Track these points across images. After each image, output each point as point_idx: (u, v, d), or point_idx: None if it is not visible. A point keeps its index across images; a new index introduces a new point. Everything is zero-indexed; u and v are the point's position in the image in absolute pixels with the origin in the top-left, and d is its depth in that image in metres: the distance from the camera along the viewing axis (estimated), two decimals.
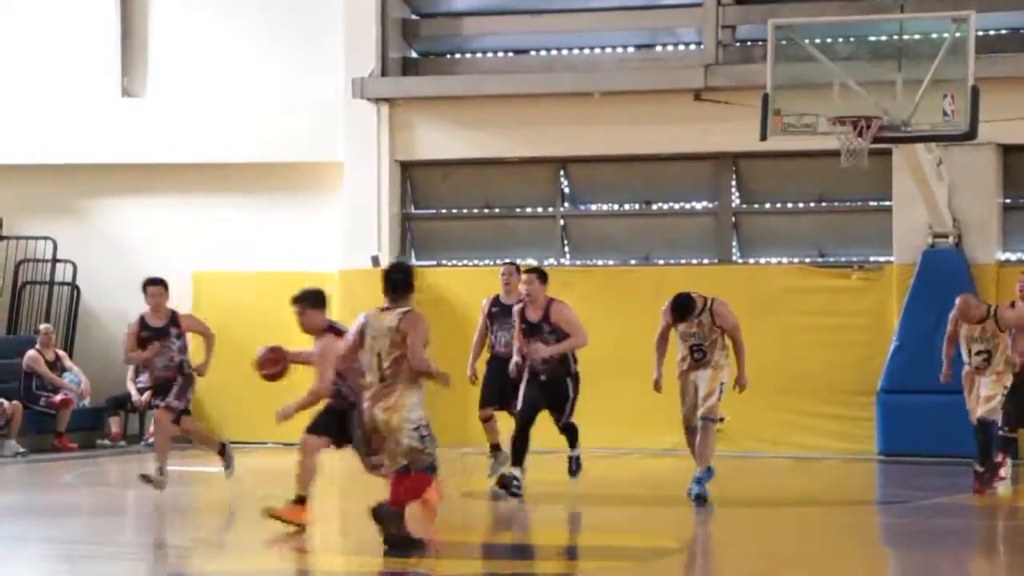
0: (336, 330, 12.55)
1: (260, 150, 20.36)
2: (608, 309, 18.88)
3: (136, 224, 20.99)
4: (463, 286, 19.11)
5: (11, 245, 21.30)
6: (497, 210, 20.25)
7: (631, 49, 20.02)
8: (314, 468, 12.54)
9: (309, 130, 20.19)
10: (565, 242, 20.03)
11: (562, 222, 20.08)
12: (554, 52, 20.26)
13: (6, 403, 18.88)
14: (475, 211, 20.34)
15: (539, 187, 20.13)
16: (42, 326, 20.05)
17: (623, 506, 14.83)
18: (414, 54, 20.52)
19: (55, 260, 21.18)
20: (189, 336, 15.14)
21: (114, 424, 19.99)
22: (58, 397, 19.46)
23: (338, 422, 12.52)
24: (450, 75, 20.26)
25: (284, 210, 20.42)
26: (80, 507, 14.56)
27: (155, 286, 15.10)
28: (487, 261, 19.74)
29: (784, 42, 16.30)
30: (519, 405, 14.49)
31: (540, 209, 20.15)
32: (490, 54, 20.52)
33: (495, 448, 15.27)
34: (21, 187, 21.25)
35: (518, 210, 20.25)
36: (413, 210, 20.41)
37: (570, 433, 15.01)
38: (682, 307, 14.11)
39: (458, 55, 20.59)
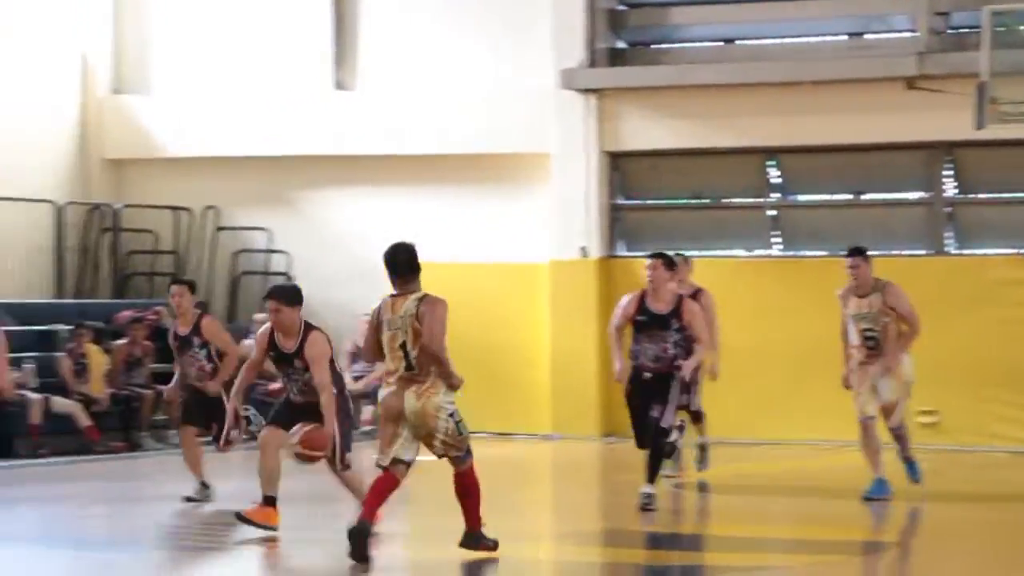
0: (316, 328, 11.97)
1: (469, 142, 20.53)
2: (817, 301, 18.60)
3: (347, 215, 21.31)
4: None
5: (228, 236, 21.80)
6: (706, 200, 20.18)
7: (842, 37, 19.78)
8: (277, 466, 12.05)
9: (518, 121, 20.30)
10: (774, 233, 19.88)
11: (772, 212, 19.93)
12: (763, 41, 20.11)
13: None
14: (684, 201, 20.29)
15: (748, 177, 20.00)
16: (258, 316, 20.43)
17: (835, 499, 14.68)
18: (622, 44, 20.52)
19: (270, 251, 21.64)
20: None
21: None
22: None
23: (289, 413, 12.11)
24: (658, 65, 20.22)
25: (493, 201, 20.56)
26: (297, 493, 14.83)
27: (177, 285, 13.68)
28: (696, 252, 19.65)
29: (1001, 28, 15.99)
30: (633, 421, 13.38)
31: (749, 199, 20.03)
32: (698, 43, 20.44)
33: (701, 447, 15.35)
34: (237, 179, 21.72)
35: (727, 200, 20.15)
36: (621, 201, 20.42)
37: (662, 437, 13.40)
38: (856, 247, 13.85)
39: (666, 45, 20.54)
